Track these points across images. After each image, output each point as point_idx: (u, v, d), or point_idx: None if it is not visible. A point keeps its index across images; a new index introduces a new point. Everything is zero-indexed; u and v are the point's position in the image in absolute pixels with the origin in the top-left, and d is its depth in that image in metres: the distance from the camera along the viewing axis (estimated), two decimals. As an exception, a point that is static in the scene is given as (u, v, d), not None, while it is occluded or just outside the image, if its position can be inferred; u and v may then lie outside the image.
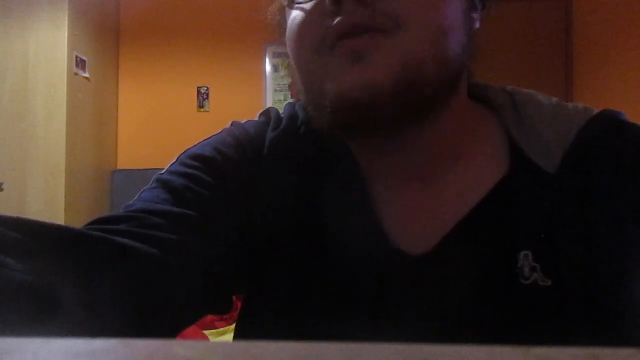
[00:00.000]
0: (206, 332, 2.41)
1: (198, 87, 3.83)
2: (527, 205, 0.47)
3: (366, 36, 0.42)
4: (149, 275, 0.41)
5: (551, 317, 0.44)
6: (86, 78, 3.43)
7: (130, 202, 0.47)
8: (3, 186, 3.13)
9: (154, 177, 0.50)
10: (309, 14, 0.46)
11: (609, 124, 0.48)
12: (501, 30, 3.27)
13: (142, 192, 0.49)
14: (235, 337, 0.56)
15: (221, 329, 2.46)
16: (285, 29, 0.52)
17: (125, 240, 0.41)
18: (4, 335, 0.18)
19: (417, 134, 0.48)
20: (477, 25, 0.50)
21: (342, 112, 0.44)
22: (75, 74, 3.31)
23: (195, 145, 0.54)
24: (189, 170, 0.49)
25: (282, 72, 3.78)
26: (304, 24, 0.46)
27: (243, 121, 0.57)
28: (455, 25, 0.46)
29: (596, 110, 0.50)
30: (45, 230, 0.37)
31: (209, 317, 2.48)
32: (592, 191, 0.46)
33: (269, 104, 3.77)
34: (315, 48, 0.45)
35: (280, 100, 3.76)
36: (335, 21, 0.43)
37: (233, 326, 2.46)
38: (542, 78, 3.44)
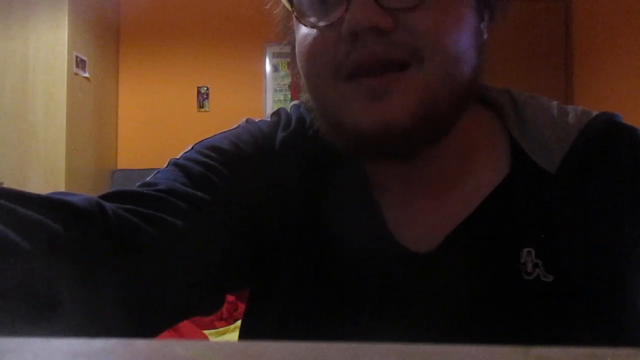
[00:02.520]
0: (206, 332, 2.41)
1: (198, 87, 3.83)
2: (529, 203, 0.48)
3: (385, 75, 0.43)
4: (155, 263, 0.42)
5: (554, 312, 0.46)
6: (86, 78, 3.43)
7: (149, 179, 0.47)
8: (3, 186, 3.12)
9: (169, 160, 0.50)
10: (323, 36, 0.45)
11: (607, 127, 0.50)
12: (501, 30, 3.26)
13: (157, 172, 0.49)
14: (240, 334, 0.57)
15: (221, 329, 2.46)
16: (288, 31, 0.52)
17: (133, 227, 0.41)
18: (4, 335, 0.18)
19: (428, 152, 0.49)
20: (486, 36, 0.50)
21: (358, 144, 0.46)
22: (75, 74, 3.31)
23: (212, 137, 0.54)
24: (206, 160, 0.50)
25: (282, 72, 3.77)
26: (318, 47, 0.46)
27: (257, 119, 0.58)
28: (468, 49, 0.46)
29: (594, 113, 0.51)
30: (44, 227, 0.36)
31: (209, 317, 2.48)
32: (591, 191, 0.47)
33: (269, 104, 3.77)
34: (331, 74, 0.45)
35: (280, 100, 3.76)
36: (352, 51, 0.43)
37: (233, 326, 2.46)
38: (542, 78, 3.44)
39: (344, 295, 0.49)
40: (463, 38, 0.45)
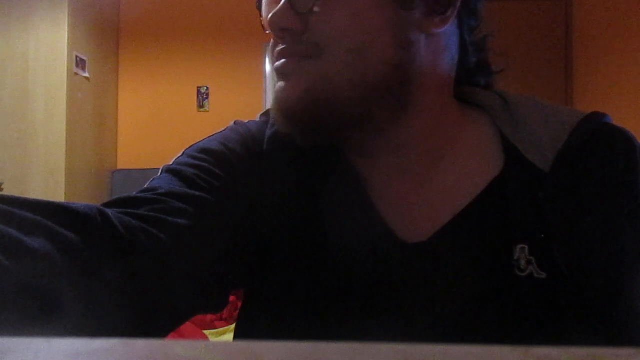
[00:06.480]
0: (206, 332, 2.41)
1: (198, 87, 3.83)
2: (523, 200, 0.49)
3: (290, 60, 0.50)
4: (159, 263, 0.42)
5: (546, 309, 0.46)
6: (86, 78, 3.43)
7: (146, 186, 0.48)
8: (3, 186, 3.13)
9: (162, 168, 0.51)
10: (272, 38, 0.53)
11: (599, 126, 0.51)
12: (501, 30, 3.26)
13: (151, 180, 0.50)
14: (237, 328, 0.57)
15: (221, 329, 2.46)
16: None
17: (136, 229, 0.42)
18: (4, 335, 0.18)
19: (392, 136, 0.51)
20: (440, 29, 0.50)
21: (277, 119, 0.52)
22: (75, 74, 3.31)
23: (201, 141, 0.55)
24: (198, 162, 0.51)
25: (282, 72, 3.77)
26: (271, 45, 0.53)
27: (246, 121, 0.60)
28: (376, 45, 0.48)
29: (586, 113, 0.52)
30: (47, 228, 0.36)
31: (209, 317, 2.48)
32: (584, 189, 0.49)
33: (269, 104, 3.74)
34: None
35: (280, 100, 3.76)
36: (279, 48, 0.51)
37: (233, 326, 2.46)
38: (542, 78, 3.44)
39: (339, 286, 0.50)
40: (365, 35, 0.48)
